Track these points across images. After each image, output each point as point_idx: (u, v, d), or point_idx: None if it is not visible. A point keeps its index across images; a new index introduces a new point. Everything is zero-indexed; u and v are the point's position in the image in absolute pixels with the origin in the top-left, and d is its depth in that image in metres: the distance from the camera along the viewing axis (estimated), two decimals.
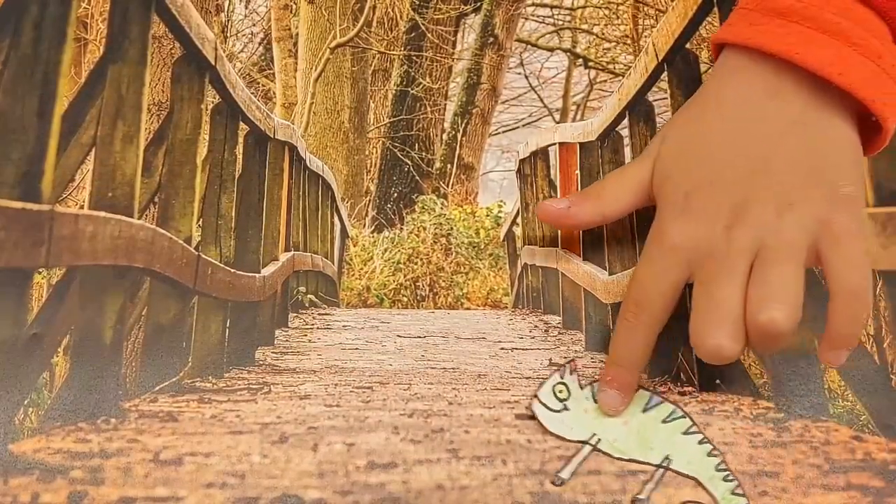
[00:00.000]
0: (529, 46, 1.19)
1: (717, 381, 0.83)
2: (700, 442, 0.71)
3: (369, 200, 1.18)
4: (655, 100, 1.05)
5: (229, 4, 1.07)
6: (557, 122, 1.27)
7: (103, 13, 0.93)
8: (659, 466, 0.69)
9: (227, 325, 0.88)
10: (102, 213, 0.84)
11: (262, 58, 1.30)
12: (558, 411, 0.72)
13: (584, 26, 1.11)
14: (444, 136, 1.27)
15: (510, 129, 1.31)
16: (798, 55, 0.63)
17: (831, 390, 0.80)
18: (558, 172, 1.20)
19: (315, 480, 0.70)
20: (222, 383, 0.84)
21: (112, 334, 0.82)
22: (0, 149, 0.81)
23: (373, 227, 1.14)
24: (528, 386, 0.79)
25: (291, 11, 1.33)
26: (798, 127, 0.64)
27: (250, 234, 0.94)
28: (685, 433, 0.71)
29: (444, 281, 1.24)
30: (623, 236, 1.05)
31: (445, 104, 1.34)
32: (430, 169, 1.21)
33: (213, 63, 0.96)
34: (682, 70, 0.98)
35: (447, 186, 1.21)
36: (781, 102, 0.64)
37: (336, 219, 1.15)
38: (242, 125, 0.99)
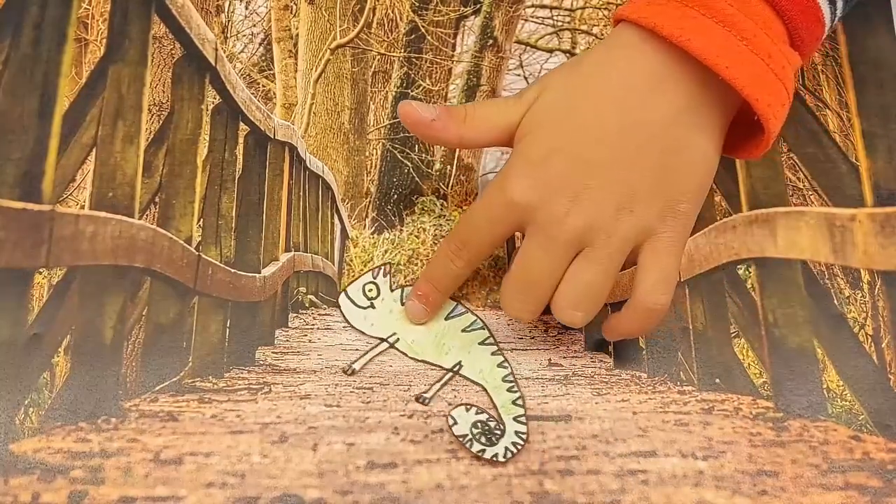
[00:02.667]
0: (528, 48, 1.19)
1: (717, 381, 0.83)
2: (493, 353, 0.75)
3: (369, 202, 1.18)
4: None
5: (229, 5, 1.07)
6: None
7: (104, 13, 0.93)
8: (450, 371, 0.73)
9: (228, 325, 0.88)
10: (103, 214, 0.84)
11: (263, 58, 1.30)
12: (364, 308, 0.77)
13: (584, 27, 1.11)
14: None
15: None
16: (688, 41, 0.62)
17: (830, 390, 0.81)
18: None
19: (315, 480, 0.70)
20: (222, 383, 0.84)
21: (112, 334, 0.82)
22: (0, 149, 0.81)
23: (373, 229, 1.15)
24: (527, 386, 0.79)
25: (292, 12, 1.33)
26: (668, 128, 0.64)
27: (250, 234, 0.94)
28: (481, 343, 0.75)
29: None
30: None
31: None
32: (429, 170, 1.21)
33: (213, 63, 0.96)
34: None
35: (447, 188, 1.21)
36: (663, 92, 0.64)
37: (336, 220, 1.15)
38: (243, 126, 0.99)
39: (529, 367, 0.81)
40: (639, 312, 0.67)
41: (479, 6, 1.31)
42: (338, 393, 0.82)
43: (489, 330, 0.74)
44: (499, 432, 0.72)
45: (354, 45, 1.31)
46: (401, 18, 1.34)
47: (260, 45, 1.35)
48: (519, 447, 0.70)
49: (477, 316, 0.74)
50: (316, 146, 1.16)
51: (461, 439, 0.71)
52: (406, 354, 0.74)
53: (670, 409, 0.82)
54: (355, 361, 0.76)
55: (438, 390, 0.73)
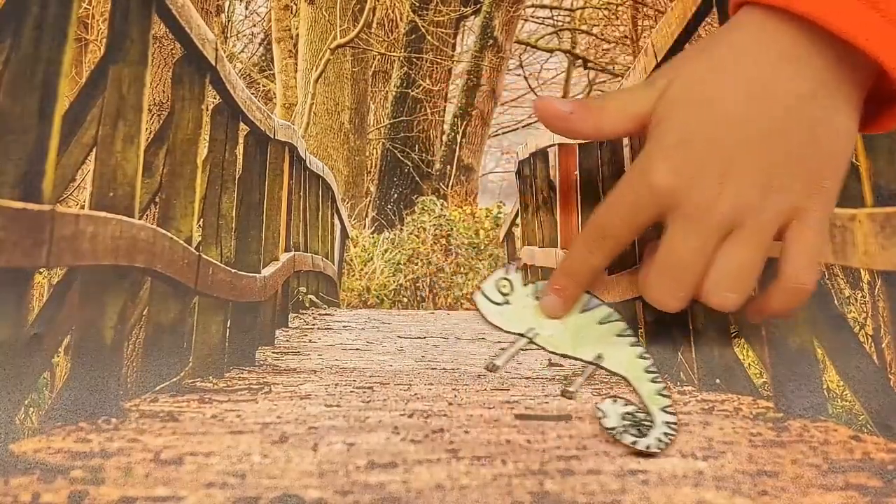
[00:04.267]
0: (529, 48, 1.20)
1: (717, 381, 0.83)
2: (632, 344, 0.75)
3: (369, 201, 1.18)
4: None
5: (230, 5, 1.07)
6: None
7: (104, 14, 0.93)
8: (590, 363, 0.74)
9: (228, 325, 0.88)
10: (103, 214, 0.84)
11: (263, 58, 1.30)
12: (499, 304, 0.77)
13: (584, 27, 1.11)
14: (444, 138, 1.27)
15: (510, 131, 1.31)
16: (824, 17, 0.63)
17: (830, 390, 0.81)
18: (557, 174, 1.21)
19: (315, 480, 0.70)
20: (223, 383, 0.84)
21: (113, 334, 0.82)
22: (0, 149, 0.81)
23: (373, 228, 1.15)
24: (527, 386, 0.79)
25: (292, 12, 1.33)
26: (806, 105, 0.65)
27: (251, 234, 0.94)
28: (619, 335, 0.75)
29: (443, 281, 1.24)
30: None
31: (445, 106, 1.34)
32: (429, 170, 1.21)
33: (213, 64, 0.96)
34: None
35: (447, 187, 1.21)
36: (797, 71, 0.65)
37: (336, 219, 1.15)
38: (243, 126, 0.99)
39: (529, 367, 0.81)
40: (787, 293, 0.67)
41: (479, 6, 1.31)
42: (338, 393, 0.82)
43: (625, 322, 0.76)
44: (648, 423, 0.73)
45: (354, 45, 1.30)
46: (401, 18, 1.33)
47: (260, 45, 1.35)
48: (671, 437, 0.71)
49: (612, 308, 0.75)
50: (316, 146, 1.16)
51: (611, 432, 0.72)
52: (545, 349, 0.76)
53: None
54: (497, 357, 0.77)
55: (582, 384, 0.75)
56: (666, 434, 0.70)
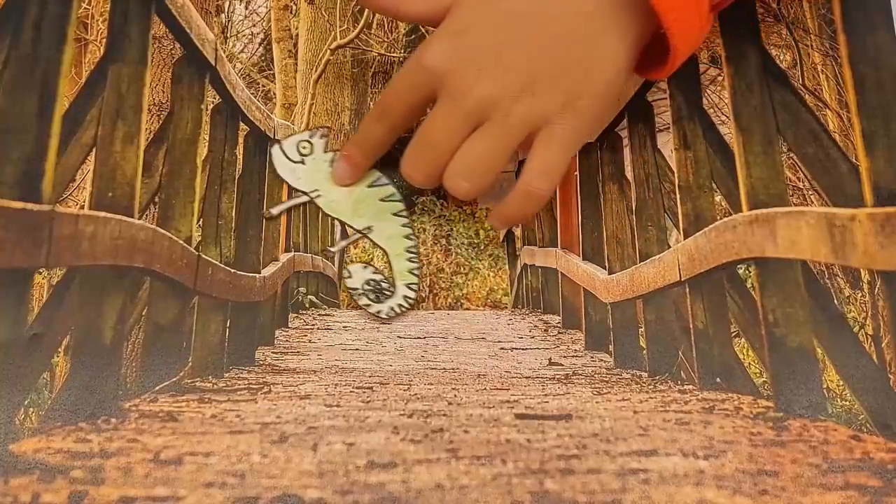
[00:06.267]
0: None
1: (718, 380, 0.83)
2: (403, 225, 0.81)
3: None
4: (655, 100, 1.05)
5: (229, 5, 1.07)
6: None
7: (103, 13, 0.93)
8: (359, 231, 0.79)
9: (228, 325, 0.88)
10: (103, 214, 0.84)
11: (263, 58, 1.30)
12: (295, 162, 0.83)
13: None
14: None
15: None
16: None
17: (830, 390, 0.81)
18: None
19: (315, 480, 0.70)
20: (222, 383, 0.84)
21: (112, 334, 0.82)
22: (0, 149, 0.81)
23: None
24: (527, 385, 0.79)
25: (291, 12, 1.33)
26: (583, 23, 0.68)
27: (250, 234, 0.94)
28: (395, 214, 0.81)
29: (443, 281, 1.24)
30: (623, 236, 1.06)
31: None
32: None
33: (213, 64, 0.96)
34: (681, 70, 0.98)
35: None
36: None
37: (336, 220, 1.15)
38: (242, 125, 0.99)
39: (530, 366, 0.81)
40: (520, 196, 0.71)
41: None
42: (338, 393, 0.82)
43: (405, 204, 0.80)
44: (389, 293, 0.78)
45: (354, 45, 1.31)
46: None
47: (260, 45, 1.35)
48: (403, 310, 0.77)
49: (396, 189, 0.79)
50: None
51: (353, 292, 0.78)
52: (323, 211, 0.81)
53: (671, 408, 0.82)
54: (274, 207, 0.84)
55: (344, 246, 0.84)
56: (400, 306, 0.77)
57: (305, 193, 0.80)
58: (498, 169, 0.70)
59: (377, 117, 0.74)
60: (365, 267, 0.79)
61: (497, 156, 0.69)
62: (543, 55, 0.68)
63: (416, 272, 0.77)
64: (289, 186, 0.80)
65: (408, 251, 0.78)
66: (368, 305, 0.77)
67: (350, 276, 0.79)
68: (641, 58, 0.71)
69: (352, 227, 0.80)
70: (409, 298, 0.77)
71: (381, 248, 0.79)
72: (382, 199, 0.79)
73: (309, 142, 0.80)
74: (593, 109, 0.70)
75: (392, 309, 0.76)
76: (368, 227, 0.79)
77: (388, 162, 0.78)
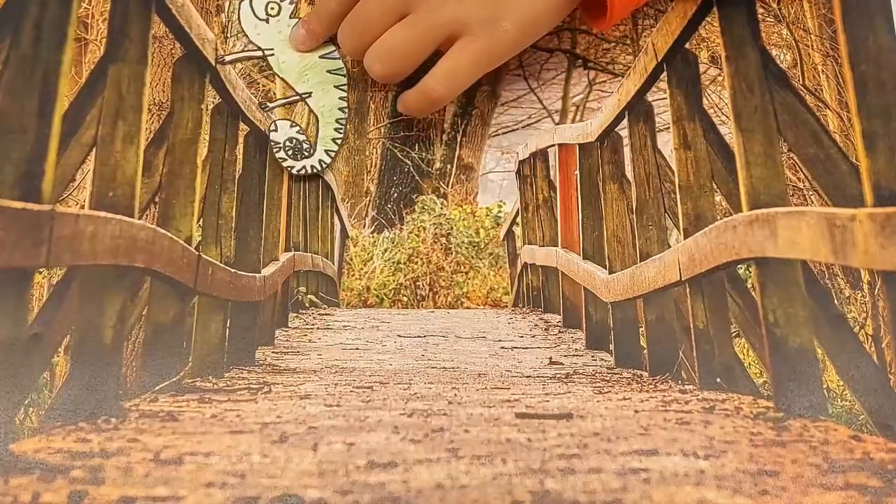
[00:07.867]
0: (528, 48, 1.19)
1: (718, 380, 0.83)
2: (341, 98, 0.85)
3: (369, 201, 1.18)
4: (655, 100, 1.05)
5: (230, 4, 1.07)
6: (557, 124, 1.27)
7: (104, 13, 0.93)
8: (298, 95, 0.87)
9: (228, 324, 0.88)
10: (103, 213, 0.84)
11: None
12: (259, 19, 0.90)
13: (584, 27, 1.11)
14: (444, 137, 1.27)
15: (510, 131, 1.31)
16: None
17: (830, 390, 0.81)
18: (557, 173, 1.20)
19: (315, 480, 0.70)
20: (222, 383, 0.84)
21: (112, 334, 0.82)
22: (0, 149, 0.81)
23: (373, 228, 1.15)
24: (528, 385, 0.79)
25: None
26: None
27: (251, 234, 0.94)
28: (336, 86, 0.90)
29: (444, 280, 1.24)
30: (623, 236, 1.06)
31: (445, 105, 1.34)
32: (429, 169, 1.21)
33: (213, 63, 0.96)
34: (681, 70, 0.98)
35: (447, 186, 1.21)
36: None
37: (336, 219, 1.15)
38: (242, 125, 0.99)
39: (530, 365, 0.81)
40: (415, 92, 0.79)
41: None
42: (338, 392, 0.82)
43: (350, 79, 0.87)
44: (307, 154, 0.87)
45: None
46: None
47: None
48: (316, 170, 0.85)
49: (345, 64, 0.85)
50: None
51: (275, 145, 0.86)
52: (272, 68, 0.89)
53: (671, 407, 0.82)
54: (228, 55, 0.93)
55: (279, 105, 0.93)
56: (313, 167, 0.85)
57: (260, 49, 0.87)
58: (412, 59, 0.78)
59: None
60: (291, 125, 0.86)
61: (413, 45, 0.77)
62: None
63: (338, 141, 0.84)
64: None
65: (337, 122, 0.86)
66: (284, 160, 0.85)
67: (276, 130, 0.85)
68: (589, 9, 0.79)
69: (293, 89, 0.85)
70: (325, 162, 0.85)
71: (314, 113, 0.85)
72: (329, 71, 0.86)
73: (278, 4, 0.87)
74: (512, 34, 0.78)
75: (305, 168, 0.84)
76: (308, 93, 0.86)
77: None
